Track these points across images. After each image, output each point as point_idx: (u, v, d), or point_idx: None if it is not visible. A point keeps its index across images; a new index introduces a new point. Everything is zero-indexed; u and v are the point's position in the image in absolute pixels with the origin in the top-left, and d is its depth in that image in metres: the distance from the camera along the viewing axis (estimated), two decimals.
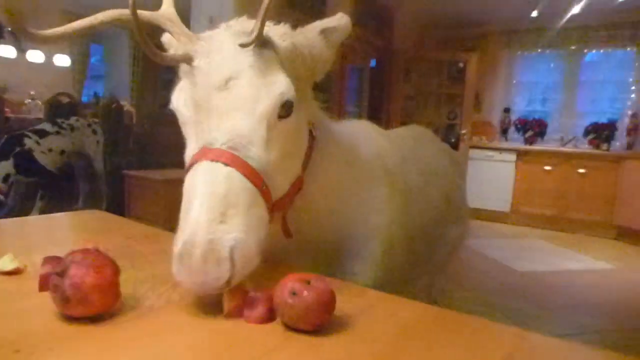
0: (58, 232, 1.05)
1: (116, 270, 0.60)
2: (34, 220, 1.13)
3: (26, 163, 3.34)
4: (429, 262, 1.27)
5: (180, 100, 0.67)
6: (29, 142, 3.43)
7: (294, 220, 0.77)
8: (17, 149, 3.35)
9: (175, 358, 0.50)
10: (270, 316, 0.59)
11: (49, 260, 0.63)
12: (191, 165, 0.62)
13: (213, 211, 0.57)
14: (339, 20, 0.73)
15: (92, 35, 6.17)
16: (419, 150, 1.27)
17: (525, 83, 5.87)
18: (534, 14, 4.73)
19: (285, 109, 0.65)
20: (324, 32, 0.73)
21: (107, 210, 3.52)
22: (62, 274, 0.58)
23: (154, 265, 0.81)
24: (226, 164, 0.59)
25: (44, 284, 0.62)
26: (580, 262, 3.75)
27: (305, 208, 0.78)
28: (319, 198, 0.80)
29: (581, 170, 4.80)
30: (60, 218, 1.14)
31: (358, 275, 0.88)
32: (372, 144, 0.99)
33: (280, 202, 0.69)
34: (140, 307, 0.62)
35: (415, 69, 5.67)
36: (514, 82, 5.85)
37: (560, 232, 4.81)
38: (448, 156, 1.46)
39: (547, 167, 4.95)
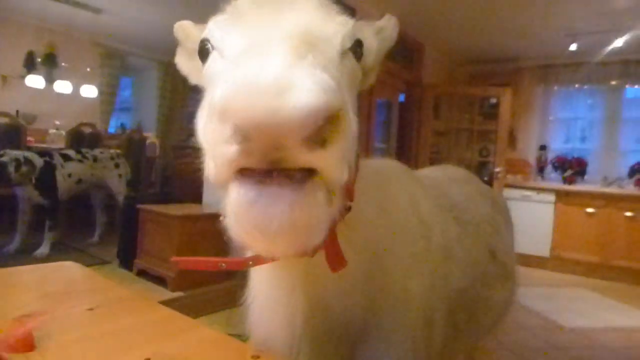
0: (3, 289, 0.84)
1: None
2: None
3: (48, 178, 3.32)
4: (471, 334, 1.02)
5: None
6: (57, 159, 3.44)
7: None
8: (47, 158, 3.36)
9: None
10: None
11: None
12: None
13: (290, 44, 0.34)
14: (388, 21, 0.61)
15: (122, 67, 6.26)
16: (456, 194, 1.06)
17: (563, 120, 5.58)
18: (573, 47, 4.50)
19: (356, 47, 0.48)
20: (379, 32, 0.60)
21: (120, 245, 3.37)
22: None
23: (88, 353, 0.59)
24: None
25: None
26: (635, 319, 3.34)
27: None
28: (354, 249, 0.59)
29: (628, 214, 4.41)
30: (22, 272, 0.94)
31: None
32: (403, 187, 0.79)
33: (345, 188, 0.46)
34: None
35: (446, 105, 5.46)
36: (551, 118, 5.57)
37: (605, 280, 4.39)
38: (490, 200, 1.22)
39: (590, 210, 4.58)
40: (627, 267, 4.38)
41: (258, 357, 0.56)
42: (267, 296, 0.61)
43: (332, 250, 0.50)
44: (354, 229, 0.58)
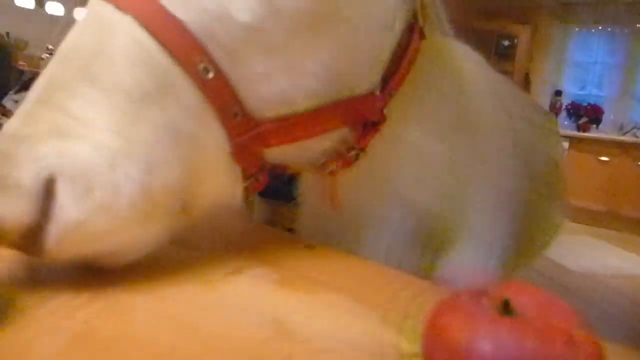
0: None
1: None
2: None
3: None
4: (524, 250, 0.92)
5: None
6: None
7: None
8: None
9: None
10: None
11: None
12: None
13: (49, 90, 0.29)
14: None
15: None
16: (518, 97, 0.93)
17: (580, 63, 5.30)
18: None
19: None
20: None
21: None
22: None
23: None
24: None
25: None
26: None
27: None
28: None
29: None
30: None
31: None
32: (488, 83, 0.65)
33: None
34: None
35: (459, 41, 5.16)
36: (568, 61, 5.29)
37: (610, 230, 4.33)
38: (539, 111, 1.11)
39: (603, 158, 4.45)
40: (635, 217, 4.31)
41: (313, 246, 0.44)
42: None
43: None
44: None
